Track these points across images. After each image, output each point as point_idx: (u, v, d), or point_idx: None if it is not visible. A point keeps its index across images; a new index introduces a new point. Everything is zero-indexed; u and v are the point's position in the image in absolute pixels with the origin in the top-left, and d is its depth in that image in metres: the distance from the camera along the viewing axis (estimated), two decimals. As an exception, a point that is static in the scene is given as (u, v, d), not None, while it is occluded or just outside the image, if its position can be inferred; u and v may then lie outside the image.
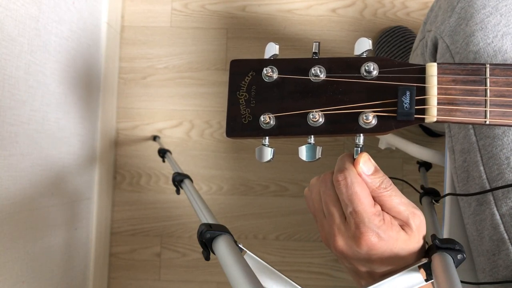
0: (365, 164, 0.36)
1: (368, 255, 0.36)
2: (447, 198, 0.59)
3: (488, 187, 0.49)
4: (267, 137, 0.37)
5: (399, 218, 0.36)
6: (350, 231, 0.36)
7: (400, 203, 0.36)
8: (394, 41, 1.03)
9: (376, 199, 0.36)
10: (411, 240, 0.36)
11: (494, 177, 0.48)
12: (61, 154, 0.89)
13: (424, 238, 0.37)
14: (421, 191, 0.59)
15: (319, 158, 0.36)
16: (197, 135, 1.10)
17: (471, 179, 0.51)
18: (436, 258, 0.34)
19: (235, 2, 1.11)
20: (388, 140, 0.91)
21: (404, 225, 0.36)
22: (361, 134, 0.36)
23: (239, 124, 0.37)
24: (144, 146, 1.10)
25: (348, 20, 1.09)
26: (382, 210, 0.36)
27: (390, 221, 0.36)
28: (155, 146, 1.08)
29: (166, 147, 0.98)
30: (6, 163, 0.71)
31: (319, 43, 0.38)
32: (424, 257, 0.36)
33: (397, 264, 0.37)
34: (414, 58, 0.69)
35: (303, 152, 0.36)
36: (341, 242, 0.37)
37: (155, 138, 1.08)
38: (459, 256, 0.34)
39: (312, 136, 0.36)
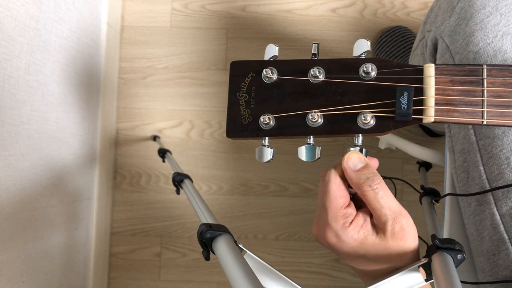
0: (350, 159, 0.36)
1: (333, 250, 0.38)
2: (447, 198, 0.59)
3: (488, 187, 0.49)
4: (266, 138, 0.38)
5: (378, 220, 0.36)
6: (320, 224, 0.38)
7: (384, 206, 0.35)
8: (394, 41, 1.03)
9: (362, 196, 0.36)
10: (383, 246, 0.36)
11: (494, 177, 0.48)
12: (61, 154, 0.89)
13: (412, 244, 0.36)
14: (421, 191, 0.59)
15: (318, 158, 0.37)
16: (197, 135, 1.10)
17: (471, 179, 0.51)
18: (436, 258, 0.34)
19: (235, 2, 1.11)
20: (388, 140, 0.91)
21: (379, 229, 0.36)
22: (360, 135, 0.36)
23: (239, 125, 0.38)
24: (144, 146, 1.10)
25: (348, 20, 1.09)
26: (367, 208, 0.37)
27: (362, 223, 0.36)
28: (155, 146, 1.08)
29: (166, 147, 0.98)
30: (6, 163, 0.71)
31: (318, 44, 0.38)
32: (424, 257, 0.36)
33: (368, 265, 0.38)
34: (414, 58, 0.69)
35: (302, 153, 0.37)
36: (314, 231, 0.39)
37: (155, 138, 1.08)
38: (459, 256, 0.34)
39: (312, 136, 0.37)
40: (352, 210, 0.37)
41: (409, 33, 1.03)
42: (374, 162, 0.39)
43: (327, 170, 0.38)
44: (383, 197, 0.35)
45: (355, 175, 0.36)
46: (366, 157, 0.37)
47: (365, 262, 0.37)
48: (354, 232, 0.36)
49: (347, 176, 0.37)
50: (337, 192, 0.36)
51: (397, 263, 0.37)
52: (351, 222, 0.36)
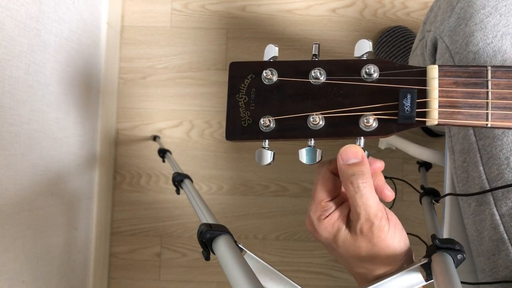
0: (344, 151, 0.36)
1: (314, 238, 0.39)
2: (447, 198, 0.59)
3: (487, 187, 0.49)
4: (267, 140, 0.37)
5: (352, 217, 0.36)
6: (308, 212, 0.39)
7: (359, 206, 0.35)
8: (394, 41, 1.03)
9: (345, 190, 0.36)
10: (353, 243, 0.36)
11: (493, 177, 0.48)
12: (61, 154, 0.89)
13: (386, 249, 0.36)
14: (421, 191, 0.59)
15: (319, 161, 0.36)
16: (197, 135, 1.10)
17: (470, 179, 0.51)
18: (436, 258, 0.34)
19: (235, 2, 1.11)
20: (388, 140, 0.91)
21: (352, 226, 0.36)
22: (362, 137, 0.35)
23: (239, 127, 0.37)
24: (144, 146, 1.10)
25: (348, 20, 1.09)
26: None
27: (338, 217, 0.37)
28: (155, 146, 1.08)
29: (166, 147, 0.98)
30: (6, 163, 0.71)
31: (319, 45, 0.38)
32: (424, 257, 0.36)
33: (345, 263, 0.39)
34: (414, 58, 0.69)
35: (303, 155, 0.36)
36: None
37: (155, 138, 1.08)
38: (459, 256, 0.34)
39: (312, 139, 0.36)
40: (332, 204, 0.38)
41: (409, 33, 1.03)
42: (380, 164, 0.39)
43: (322, 162, 0.38)
44: (361, 197, 0.34)
45: (343, 168, 0.35)
46: (368, 158, 0.37)
47: (342, 258, 0.38)
48: (328, 225, 0.37)
49: (337, 166, 0.36)
50: (323, 186, 0.37)
51: (369, 266, 0.37)
52: (327, 216, 0.37)
